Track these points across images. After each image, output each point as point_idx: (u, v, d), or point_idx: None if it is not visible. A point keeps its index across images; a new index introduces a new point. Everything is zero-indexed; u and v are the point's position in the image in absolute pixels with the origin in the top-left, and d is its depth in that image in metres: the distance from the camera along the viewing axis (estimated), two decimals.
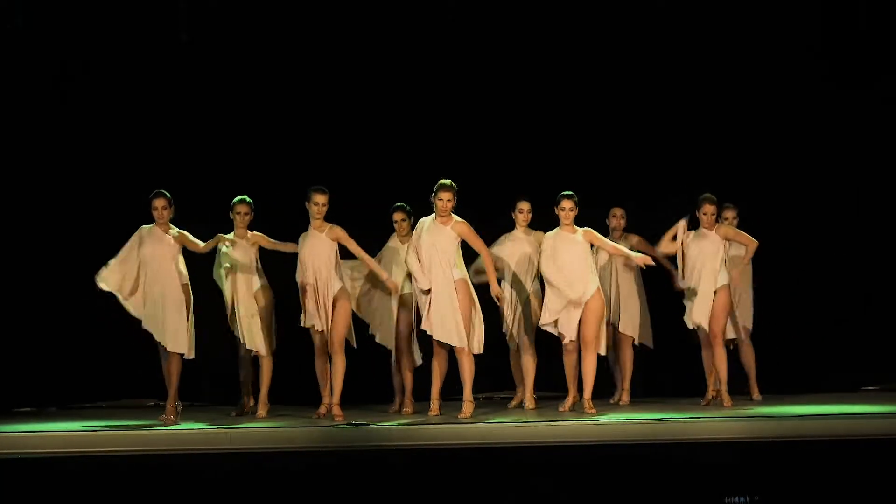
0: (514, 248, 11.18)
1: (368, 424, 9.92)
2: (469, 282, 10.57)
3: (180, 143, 12.43)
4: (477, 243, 10.64)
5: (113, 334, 10.83)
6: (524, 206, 11.18)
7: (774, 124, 12.65)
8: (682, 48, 12.58)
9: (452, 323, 10.44)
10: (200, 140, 12.44)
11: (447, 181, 10.58)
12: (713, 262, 11.00)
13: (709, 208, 11.05)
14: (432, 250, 10.50)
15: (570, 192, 10.83)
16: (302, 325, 10.72)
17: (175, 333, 10.49)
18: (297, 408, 11.05)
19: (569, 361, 10.90)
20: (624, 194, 12.01)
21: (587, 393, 10.77)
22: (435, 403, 10.65)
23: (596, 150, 12.56)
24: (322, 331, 10.65)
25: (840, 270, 12.54)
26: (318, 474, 9.11)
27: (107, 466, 9.21)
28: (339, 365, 10.62)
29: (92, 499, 8.94)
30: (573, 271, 10.74)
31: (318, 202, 10.62)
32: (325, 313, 10.60)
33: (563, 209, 10.81)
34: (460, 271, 10.54)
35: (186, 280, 10.64)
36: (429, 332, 10.55)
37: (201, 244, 10.69)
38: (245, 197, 10.94)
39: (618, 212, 11.66)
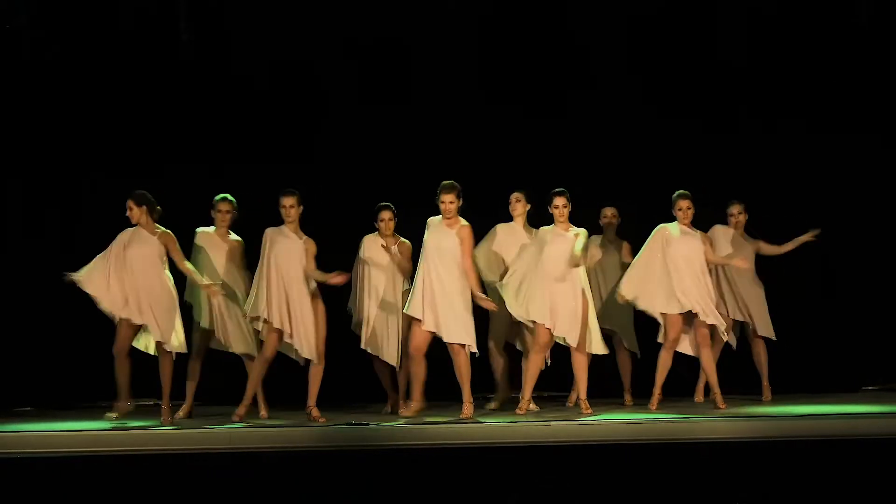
0: (513, 241, 11.13)
1: (368, 424, 9.92)
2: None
3: (180, 143, 12.44)
4: (467, 256, 10.52)
5: (113, 334, 10.80)
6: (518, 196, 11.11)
7: (773, 125, 12.63)
8: (677, 46, 12.59)
9: (461, 322, 10.42)
10: (201, 139, 12.45)
11: (449, 182, 10.57)
12: (702, 259, 10.94)
13: (683, 203, 10.91)
14: (436, 252, 10.50)
15: (562, 189, 10.73)
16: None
17: (170, 332, 10.47)
18: (296, 409, 11.02)
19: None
20: (617, 193, 11.99)
21: (582, 393, 10.70)
22: (418, 404, 10.62)
23: (589, 148, 12.55)
24: (280, 333, 10.48)
25: (840, 270, 12.52)
26: (318, 474, 9.10)
27: (107, 466, 9.21)
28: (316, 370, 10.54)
29: (92, 499, 8.93)
30: (557, 268, 10.64)
31: (285, 205, 10.51)
32: (291, 317, 10.44)
33: (556, 207, 10.70)
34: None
35: (171, 281, 10.57)
36: (438, 334, 10.47)
37: (187, 265, 10.57)
38: (227, 195, 10.89)
39: (608, 211, 11.53)
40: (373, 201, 11.17)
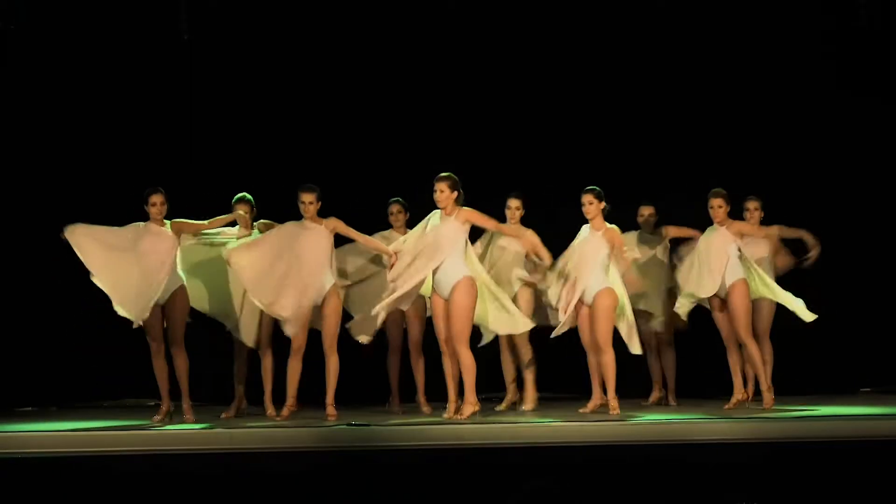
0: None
1: (368, 424, 9.93)
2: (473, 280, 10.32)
3: (181, 142, 12.46)
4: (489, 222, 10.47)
5: (113, 334, 10.82)
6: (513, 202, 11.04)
7: (779, 125, 12.67)
8: (696, 40, 12.63)
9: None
10: (200, 138, 12.47)
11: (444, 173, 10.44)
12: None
13: (715, 202, 10.93)
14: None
15: (592, 187, 10.72)
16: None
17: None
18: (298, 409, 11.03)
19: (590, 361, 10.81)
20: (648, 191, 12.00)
21: (610, 392, 10.67)
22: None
23: (614, 148, 12.60)
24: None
25: (838, 271, 12.54)
26: (318, 474, 9.10)
27: (107, 466, 9.20)
28: (334, 365, 10.56)
29: (92, 499, 8.93)
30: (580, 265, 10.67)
31: (305, 201, 10.50)
32: (308, 311, 10.47)
33: (582, 204, 10.71)
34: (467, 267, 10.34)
35: (183, 280, 10.58)
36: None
37: (203, 223, 10.56)
38: (246, 195, 10.89)
39: (645, 210, 11.59)
40: (374, 199, 11.22)
